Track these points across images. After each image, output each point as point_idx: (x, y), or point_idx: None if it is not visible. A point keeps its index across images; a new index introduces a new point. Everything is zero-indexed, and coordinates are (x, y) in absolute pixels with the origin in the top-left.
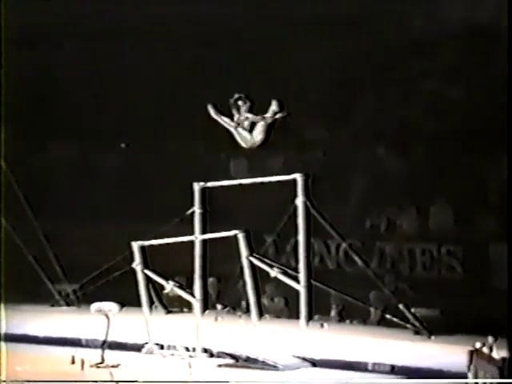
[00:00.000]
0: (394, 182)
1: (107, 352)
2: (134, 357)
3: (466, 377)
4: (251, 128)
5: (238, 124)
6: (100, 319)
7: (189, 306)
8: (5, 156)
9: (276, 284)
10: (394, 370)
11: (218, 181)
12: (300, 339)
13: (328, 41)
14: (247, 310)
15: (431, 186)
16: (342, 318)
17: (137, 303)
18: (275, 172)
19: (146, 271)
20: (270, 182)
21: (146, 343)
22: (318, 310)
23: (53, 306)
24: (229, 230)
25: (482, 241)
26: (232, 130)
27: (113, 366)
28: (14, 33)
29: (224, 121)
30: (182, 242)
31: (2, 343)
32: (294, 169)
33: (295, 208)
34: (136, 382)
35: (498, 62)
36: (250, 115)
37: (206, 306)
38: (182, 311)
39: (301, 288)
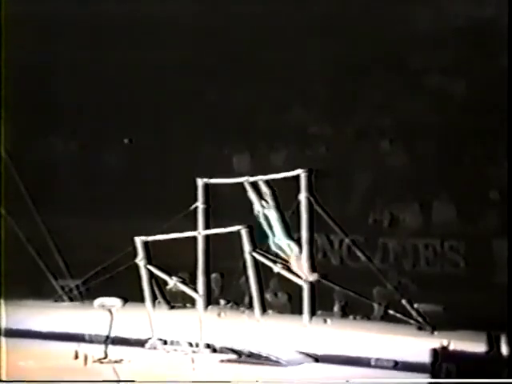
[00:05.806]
0: (397, 177)
1: (110, 347)
2: (137, 352)
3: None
4: None
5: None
6: (103, 314)
7: (192, 302)
8: (7, 150)
9: (279, 279)
10: (397, 366)
11: (220, 177)
12: (303, 335)
13: (331, 36)
14: (250, 306)
15: (434, 182)
16: (345, 313)
17: (140, 299)
18: (278, 168)
19: (149, 267)
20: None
21: (149, 338)
22: (321, 306)
23: (56, 301)
24: (232, 226)
25: (485, 236)
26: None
27: (116, 362)
28: (14, 28)
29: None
30: (185, 238)
31: (6, 339)
32: (296, 164)
33: (298, 203)
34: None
35: (502, 57)
36: None
37: (209, 301)
38: (185, 307)
39: (304, 283)
